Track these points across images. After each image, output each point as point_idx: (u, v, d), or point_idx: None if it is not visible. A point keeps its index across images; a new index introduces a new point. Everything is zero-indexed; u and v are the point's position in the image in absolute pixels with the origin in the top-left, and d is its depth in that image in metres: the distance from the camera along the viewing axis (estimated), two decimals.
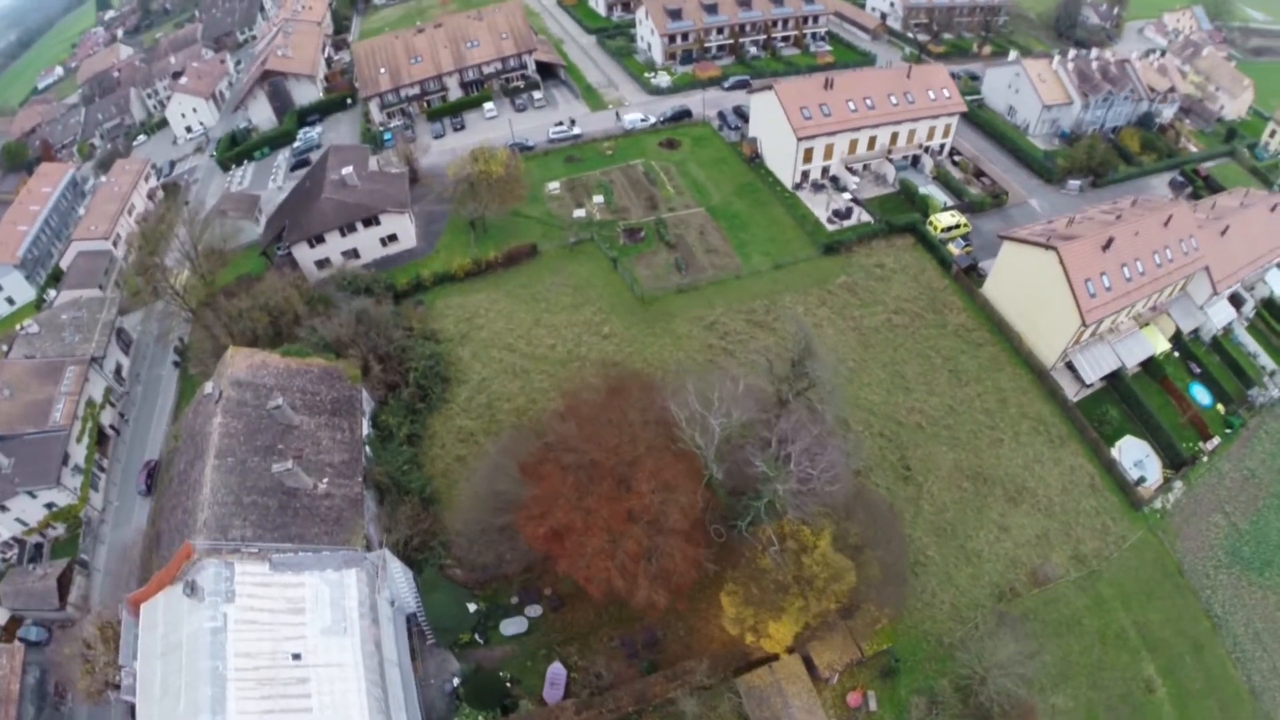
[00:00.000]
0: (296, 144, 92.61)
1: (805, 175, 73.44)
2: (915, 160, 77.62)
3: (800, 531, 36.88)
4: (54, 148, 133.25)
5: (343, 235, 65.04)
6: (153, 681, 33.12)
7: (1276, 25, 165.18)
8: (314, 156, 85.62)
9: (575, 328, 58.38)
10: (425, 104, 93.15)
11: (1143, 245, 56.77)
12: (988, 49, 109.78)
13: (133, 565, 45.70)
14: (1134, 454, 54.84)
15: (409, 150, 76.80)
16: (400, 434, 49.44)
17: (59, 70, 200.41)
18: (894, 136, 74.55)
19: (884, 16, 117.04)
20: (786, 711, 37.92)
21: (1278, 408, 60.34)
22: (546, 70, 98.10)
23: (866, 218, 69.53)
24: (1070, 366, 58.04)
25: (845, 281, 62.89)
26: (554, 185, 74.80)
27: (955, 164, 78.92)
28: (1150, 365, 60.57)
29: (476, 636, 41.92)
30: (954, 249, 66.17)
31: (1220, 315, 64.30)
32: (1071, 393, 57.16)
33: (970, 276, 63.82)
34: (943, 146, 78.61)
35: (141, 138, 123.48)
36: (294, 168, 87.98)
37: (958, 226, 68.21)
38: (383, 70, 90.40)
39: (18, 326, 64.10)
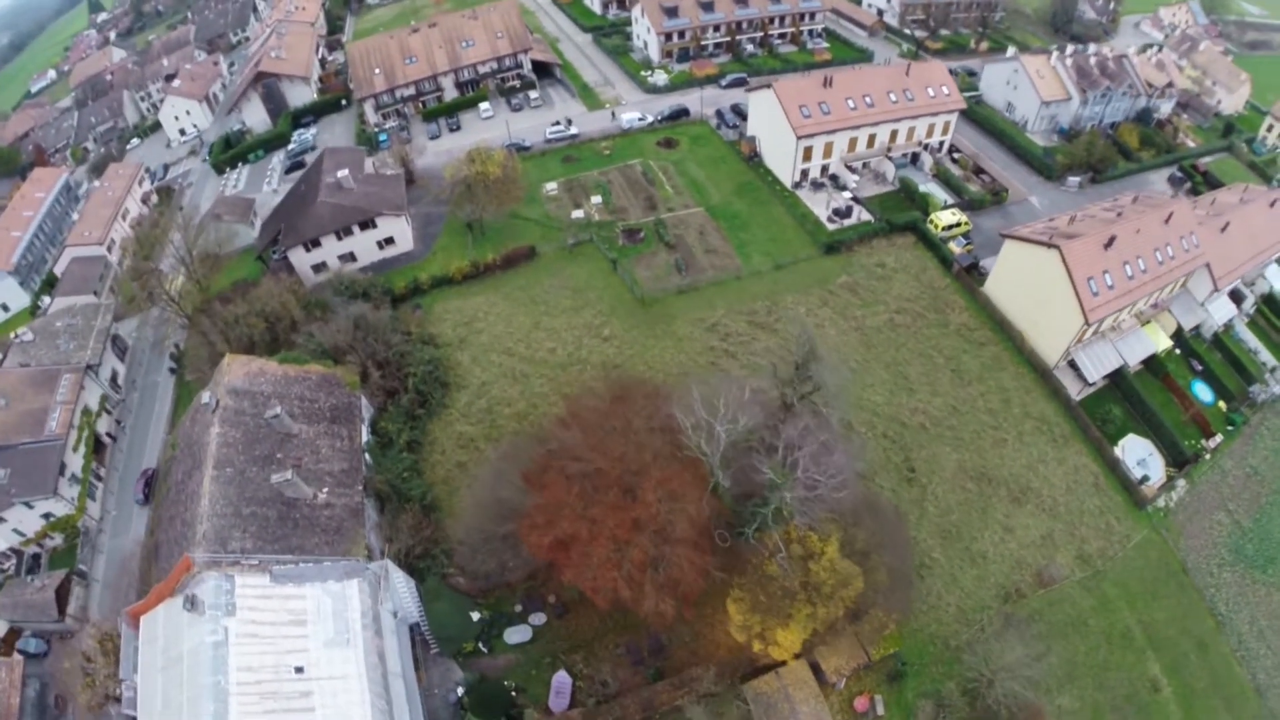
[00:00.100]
0: (291, 146, 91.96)
1: (805, 174, 73.09)
2: (915, 158, 77.34)
3: (807, 537, 36.62)
4: (47, 152, 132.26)
5: (339, 239, 64.52)
6: (154, 696, 32.78)
7: (1272, 19, 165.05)
8: (309, 159, 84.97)
9: (575, 330, 57.98)
10: (420, 105, 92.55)
11: (1144, 243, 56.58)
12: (985, 45, 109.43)
13: (132, 577, 45.37)
14: (1137, 452, 54.75)
15: (405, 152, 76.21)
16: (400, 441, 49.02)
17: (52, 74, 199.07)
18: (893, 134, 74.22)
19: (881, 13, 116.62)
20: (794, 718, 37.72)
21: (1279, 404, 60.25)
22: (542, 69, 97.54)
23: (867, 216, 69.21)
24: (1073, 365, 57.86)
25: (846, 281, 62.58)
26: (552, 186, 74.33)
27: (955, 161, 78.65)
28: (1152, 363, 60.42)
29: (480, 645, 41.59)
30: (955, 247, 65.90)
31: (1221, 312, 64.18)
32: (1074, 391, 56.99)
33: (971, 275, 63.57)
34: (942, 144, 78.32)
35: (135, 141, 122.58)
36: (289, 170, 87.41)
37: (958, 225, 67.94)
38: (377, 71, 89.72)
39: (12, 334, 63.39)
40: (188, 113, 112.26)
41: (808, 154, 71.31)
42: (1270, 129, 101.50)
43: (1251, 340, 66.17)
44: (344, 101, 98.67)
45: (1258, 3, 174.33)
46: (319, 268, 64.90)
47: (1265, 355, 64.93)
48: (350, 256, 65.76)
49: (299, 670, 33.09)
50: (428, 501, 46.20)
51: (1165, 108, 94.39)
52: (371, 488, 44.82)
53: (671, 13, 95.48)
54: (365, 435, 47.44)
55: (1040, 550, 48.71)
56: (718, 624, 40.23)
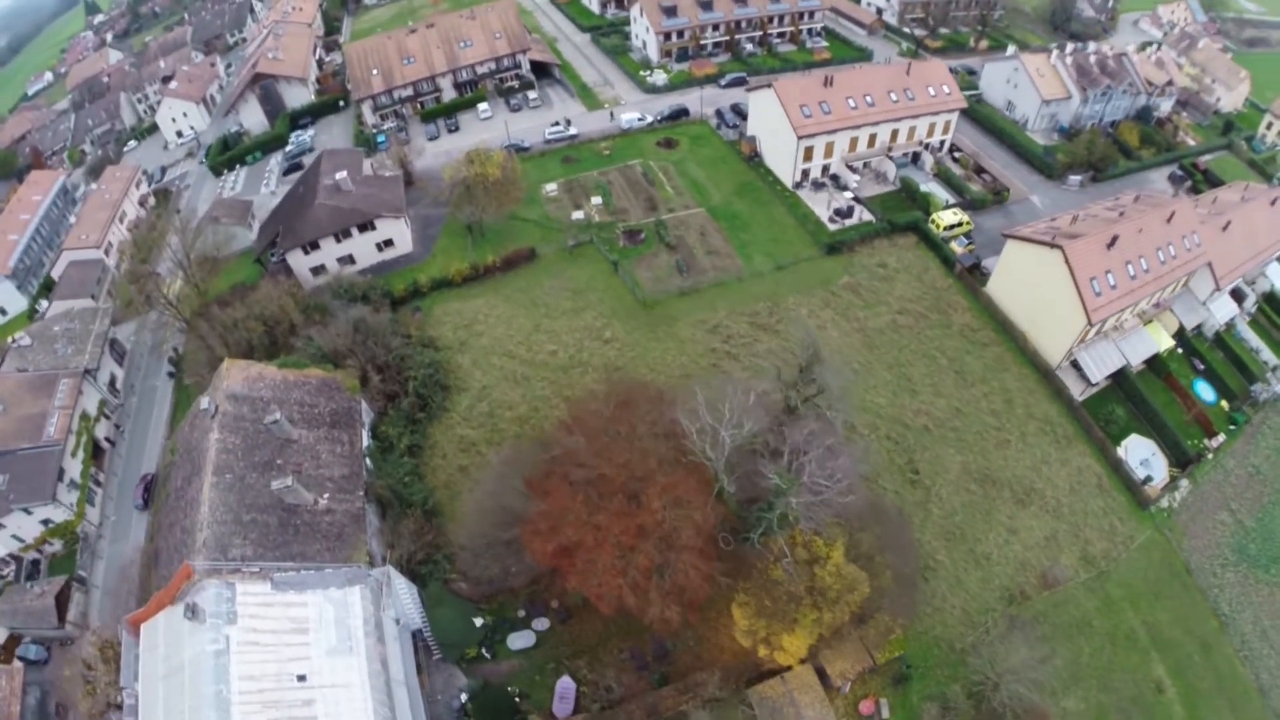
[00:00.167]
0: (289, 148, 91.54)
1: (806, 174, 72.86)
2: (916, 157, 77.14)
3: (813, 542, 36.42)
4: (44, 154, 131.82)
5: (338, 241, 64.19)
6: (155, 705, 32.49)
7: (1270, 16, 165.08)
8: (307, 160, 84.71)
9: (576, 333, 57.71)
10: (419, 105, 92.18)
11: (1146, 242, 56.45)
12: (984, 43, 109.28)
13: (132, 583, 45.00)
14: (1140, 453, 54.62)
15: (403, 153, 75.91)
16: (401, 445, 48.71)
17: (49, 76, 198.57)
18: (894, 134, 74.01)
19: (880, 12, 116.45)
20: None
21: None
22: (541, 69, 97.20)
23: (868, 216, 68.99)
24: (1075, 365, 57.70)
25: (848, 282, 62.36)
26: (551, 187, 74.03)
27: (956, 160, 78.46)
28: (1154, 363, 60.33)
29: (483, 651, 41.37)
30: (957, 247, 65.70)
31: (1223, 311, 64.10)
32: (1077, 392, 56.86)
33: (974, 275, 63.40)
34: (943, 143, 78.13)
35: (132, 143, 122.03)
36: (287, 172, 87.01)
37: (960, 224, 67.74)
38: (375, 71, 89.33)
39: (9, 339, 63.06)
40: (185, 114, 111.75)
41: (809, 154, 71.08)
42: (1269, 126, 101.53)
43: (1253, 339, 66.15)
44: (342, 103, 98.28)
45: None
46: (318, 270, 64.57)
47: (1267, 354, 64.91)
48: (349, 259, 65.44)
49: (301, 679, 32.84)
50: (429, 506, 45.93)
51: (1165, 106, 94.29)
52: (373, 493, 44.53)
53: (670, 12, 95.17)
54: (366, 440, 47.15)
55: (1044, 552, 48.61)
56: (722, 628, 40.04)
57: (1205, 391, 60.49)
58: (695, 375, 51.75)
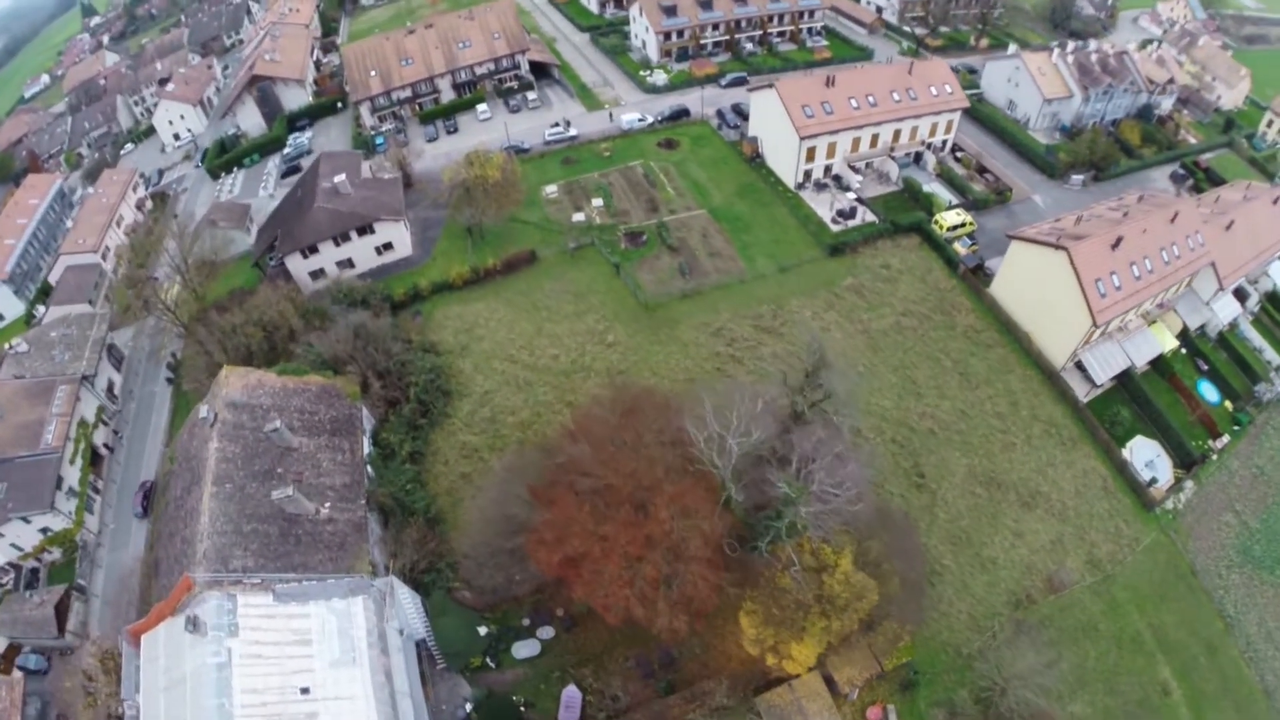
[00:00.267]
0: (287, 150, 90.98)
1: (808, 174, 72.49)
2: (918, 157, 76.79)
3: (821, 550, 36.12)
4: (41, 158, 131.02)
5: (337, 245, 63.71)
6: (157, 717, 32.10)
7: (1269, 13, 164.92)
8: (305, 163, 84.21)
9: (578, 336, 57.32)
10: (417, 107, 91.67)
11: (1151, 243, 56.19)
12: (985, 42, 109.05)
13: (132, 593, 44.72)
14: (1145, 454, 54.37)
15: (402, 155, 75.45)
16: (402, 452, 48.32)
17: (45, 78, 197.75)
18: (896, 134, 73.64)
19: (880, 10, 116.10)
20: None
21: None
22: (540, 70, 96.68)
23: (871, 217, 68.61)
24: (1080, 367, 57.40)
25: (852, 284, 62.00)
26: (551, 189, 73.60)
27: (958, 160, 78.12)
28: (1159, 363, 60.06)
29: (488, 660, 41.09)
30: (960, 248, 65.35)
31: (1226, 310, 63.86)
32: (1081, 393, 56.59)
33: (977, 276, 63.09)
34: (945, 143, 77.78)
35: (129, 146, 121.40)
36: (285, 174, 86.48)
37: (963, 225, 67.38)
38: (373, 73, 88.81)
39: (6, 345, 62.52)
40: (182, 117, 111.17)
41: (811, 154, 70.70)
42: (1270, 124, 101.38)
43: (1256, 339, 65.94)
44: (340, 104, 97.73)
45: None
46: (317, 274, 64.11)
47: (1270, 354, 64.72)
48: (348, 263, 64.99)
49: (305, 691, 32.45)
50: (432, 514, 45.55)
51: (1166, 104, 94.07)
52: (374, 501, 44.11)
53: (670, 11, 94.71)
54: (367, 447, 46.75)
55: (1050, 555, 48.39)
56: (729, 636, 39.74)
57: (1209, 392, 60.29)
58: (699, 379, 51.45)
